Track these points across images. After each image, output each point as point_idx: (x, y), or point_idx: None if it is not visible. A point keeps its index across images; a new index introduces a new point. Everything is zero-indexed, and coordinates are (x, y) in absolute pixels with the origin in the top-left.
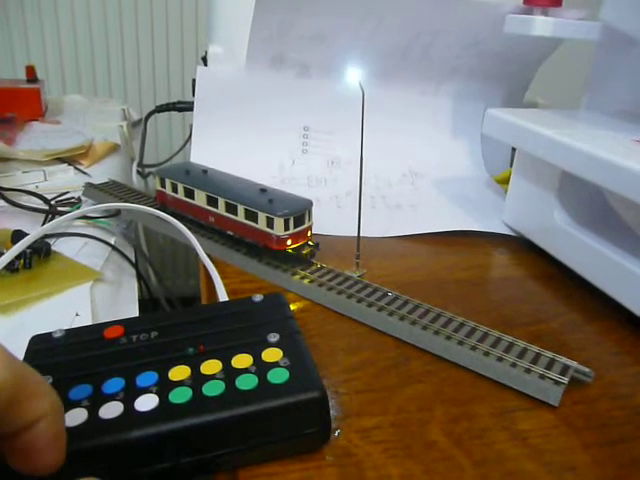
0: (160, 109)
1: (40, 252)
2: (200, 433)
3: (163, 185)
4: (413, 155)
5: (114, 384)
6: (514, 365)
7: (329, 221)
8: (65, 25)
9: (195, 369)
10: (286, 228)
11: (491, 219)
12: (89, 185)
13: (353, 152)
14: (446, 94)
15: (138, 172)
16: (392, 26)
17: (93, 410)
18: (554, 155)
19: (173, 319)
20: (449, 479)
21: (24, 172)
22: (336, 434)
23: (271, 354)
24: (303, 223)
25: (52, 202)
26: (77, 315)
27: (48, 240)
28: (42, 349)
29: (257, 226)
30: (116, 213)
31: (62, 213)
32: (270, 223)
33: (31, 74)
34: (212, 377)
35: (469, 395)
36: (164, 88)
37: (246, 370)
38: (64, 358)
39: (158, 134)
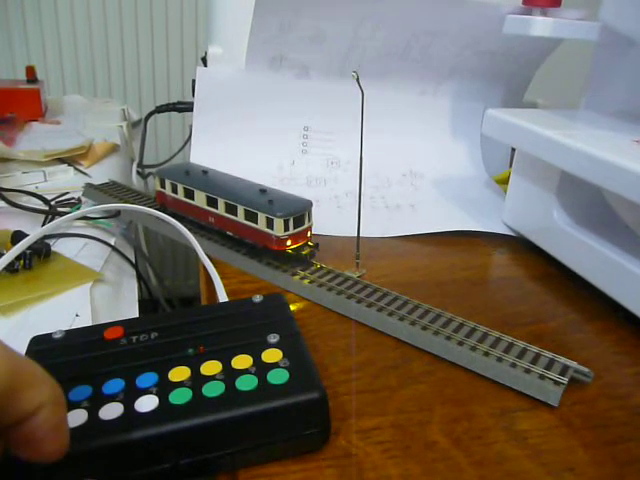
0: (160, 109)
1: (40, 253)
2: (200, 434)
3: (163, 186)
4: (413, 155)
5: (114, 385)
6: (514, 365)
7: (329, 221)
8: (65, 25)
9: (195, 370)
10: (286, 228)
11: (491, 219)
12: (89, 186)
13: (353, 152)
14: (445, 94)
15: (138, 172)
16: (391, 26)
17: (93, 411)
18: (554, 155)
19: (173, 320)
20: (449, 479)
21: (24, 173)
22: (336, 435)
23: (271, 355)
24: (303, 223)
25: (52, 203)
26: (77, 316)
27: (48, 241)
28: (42, 350)
29: (257, 226)
30: (116, 214)
31: (62, 214)
32: (270, 223)
33: (31, 74)
34: (212, 378)
35: (469, 395)
36: (164, 88)
37: (246, 371)
38: (64, 359)
39: (158, 134)
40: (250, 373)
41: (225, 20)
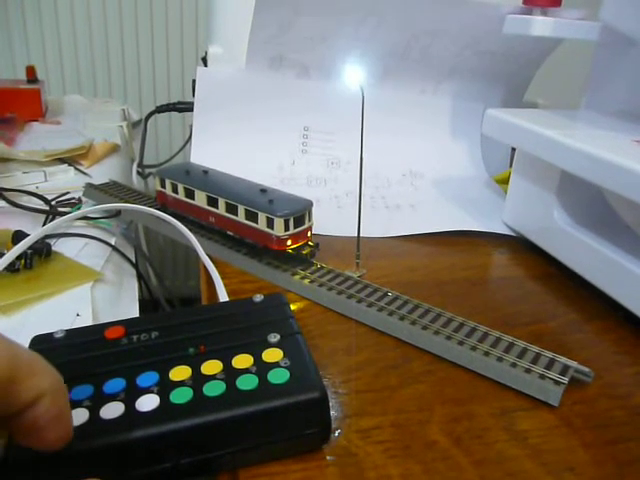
0: (160, 109)
1: (41, 252)
2: (201, 433)
3: (163, 185)
4: (413, 155)
5: (115, 384)
6: (514, 365)
7: (329, 221)
8: (65, 25)
9: (196, 369)
10: (286, 228)
11: (491, 219)
12: (89, 185)
13: (353, 152)
14: (446, 94)
15: (138, 172)
16: (391, 26)
17: (94, 410)
18: (554, 155)
19: (174, 319)
20: (449, 479)
21: (24, 173)
22: (336, 434)
23: (271, 354)
24: (303, 223)
25: (52, 203)
26: (78, 315)
27: (49, 240)
28: (43, 349)
29: (257, 226)
30: (116, 214)
31: (62, 214)
32: (270, 223)
33: (31, 74)
34: (213, 377)
35: (469, 395)
36: (164, 88)
37: (247, 370)
38: (65, 358)
39: (158, 134)
40: (251, 373)
41: (225, 20)
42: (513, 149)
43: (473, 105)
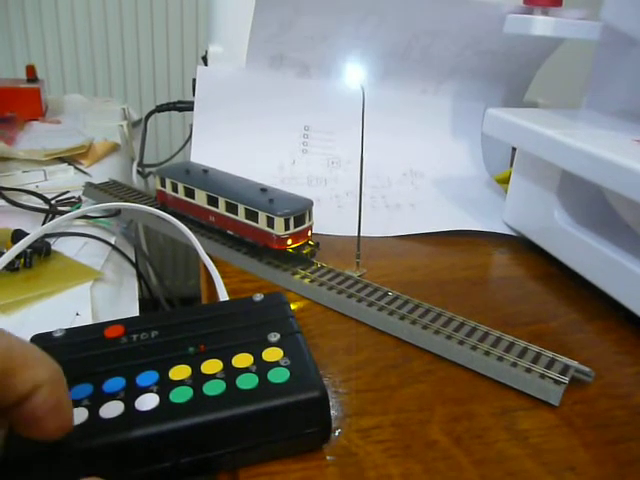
0: (160, 109)
1: (40, 252)
2: (200, 432)
3: (163, 185)
4: (413, 155)
5: (115, 383)
6: (514, 365)
7: (329, 221)
8: (65, 25)
9: (196, 368)
10: (286, 228)
11: (491, 219)
12: (89, 185)
13: (353, 152)
14: (446, 94)
15: (138, 172)
16: (392, 26)
17: (94, 409)
18: (554, 155)
19: (174, 318)
20: (449, 479)
21: (24, 172)
22: (336, 434)
23: (271, 354)
24: (303, 223)
25: (52, 202)
26: (77, 314)
27: (48, 240)
28: (42, 348)
29: (257, 226)
30: (116, 213)
31: (62, 213)
32: (270, 223)
33: (31, 74)
34: (213, 376)
35: (469, 395)
36: (164, 88)
37: (247, 370)
38: (64, 358)
39: (158, 134)
40: (251, 372)
41: (225, 19)
42: (514, 149)
43: (474, 105)
